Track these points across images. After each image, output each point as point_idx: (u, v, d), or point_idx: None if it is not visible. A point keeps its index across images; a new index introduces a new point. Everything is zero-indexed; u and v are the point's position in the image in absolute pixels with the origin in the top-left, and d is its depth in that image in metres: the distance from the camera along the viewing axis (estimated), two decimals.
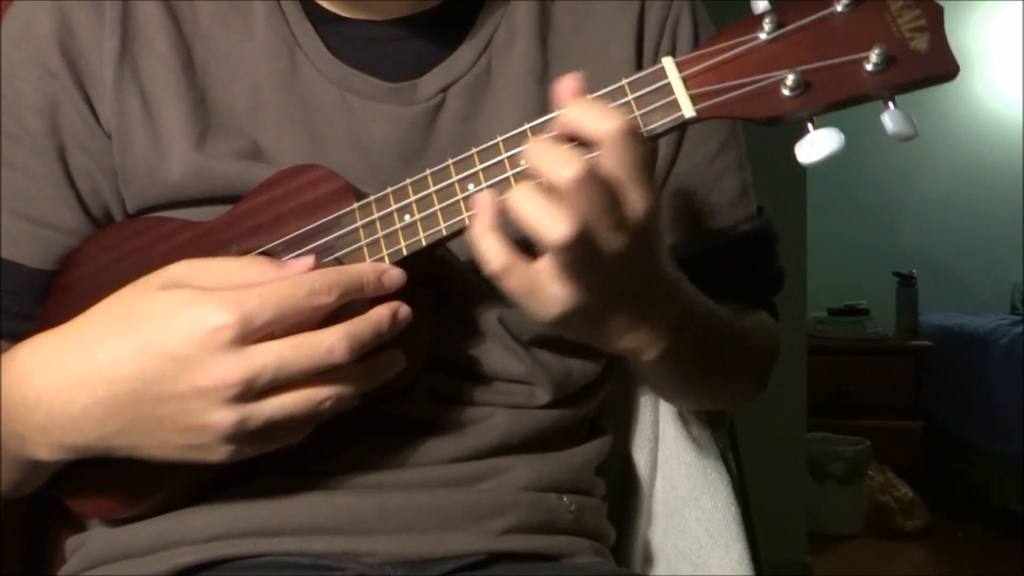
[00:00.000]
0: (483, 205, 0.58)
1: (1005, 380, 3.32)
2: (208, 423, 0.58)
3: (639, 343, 0.65)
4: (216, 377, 0.56)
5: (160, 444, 0.60)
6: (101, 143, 0.71)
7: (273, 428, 0.59)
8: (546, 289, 0.58)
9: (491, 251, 0.57)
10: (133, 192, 0.71)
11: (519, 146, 0.59)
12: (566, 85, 0.58)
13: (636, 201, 0.56)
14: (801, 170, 2.58)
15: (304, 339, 0.58)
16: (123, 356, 0.58)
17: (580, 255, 0.56)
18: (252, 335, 0.57)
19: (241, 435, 0.59)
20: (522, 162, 0.59)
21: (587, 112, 0.56)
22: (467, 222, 0.60)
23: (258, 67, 0.72)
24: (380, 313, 0.60)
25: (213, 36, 0.72)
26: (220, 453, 0.60)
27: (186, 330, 0.57)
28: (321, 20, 0.74)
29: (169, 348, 0.57)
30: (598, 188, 0.54)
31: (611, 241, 0.56)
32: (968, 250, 4.20)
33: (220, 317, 0.56)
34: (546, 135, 0.58)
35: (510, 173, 0.60)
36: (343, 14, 0.74)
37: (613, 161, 0.55)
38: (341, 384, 0.59)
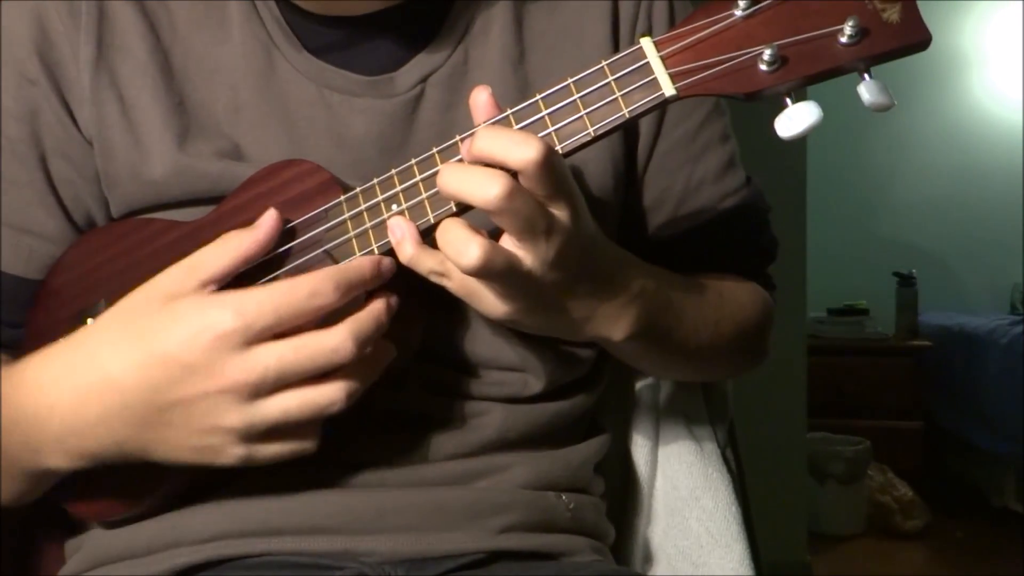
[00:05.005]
0: (401, 231, 0.60)
1: (1005, 380, 3.33)
2: (217, 425, 0.59)
3: (603, 329, 0.67)
4: (223, 379, 0.58)
5: (172, 447, 0.61)
6: (82, 150, 0.71)
7: (280, 431, 0.60)
8: (483, 295, 0.61)
9: (426, 266, 0.60)
10: (117, 196, 0.71)
11: None
12: (478, 97, 0.61)
13: (559, 211, 0.59)
14: (801, 170, 2.59)
15: (306, 340, 0.58)
16: (131, 365, 0.59)
17: (499, 271, 0.58)
18: (255, 337, 0.58)
19: (250, 436, 0.60)
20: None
21: (504, 142, 0.57)
22: (455, 208, 0.61)
23: (236, 69, 0.72)
24: (378, 306, 0.61)
25: (190, 40, 0.72)
26: (231, 455, 0.61)
27: (191, 336, 0.58)
28: (296, 19, 0.74)
29: (175, 354, 0.58)
30: (521, 204, 0.57)
31: (540, 248, 0.59)
32: (968, 250, 4.20)
33: (224, 322, 0.57)
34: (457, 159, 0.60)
35: None
36: (317, 12, 0.74)
37: (535, 185, 0.57)
38: (346, 382, 0.60)
